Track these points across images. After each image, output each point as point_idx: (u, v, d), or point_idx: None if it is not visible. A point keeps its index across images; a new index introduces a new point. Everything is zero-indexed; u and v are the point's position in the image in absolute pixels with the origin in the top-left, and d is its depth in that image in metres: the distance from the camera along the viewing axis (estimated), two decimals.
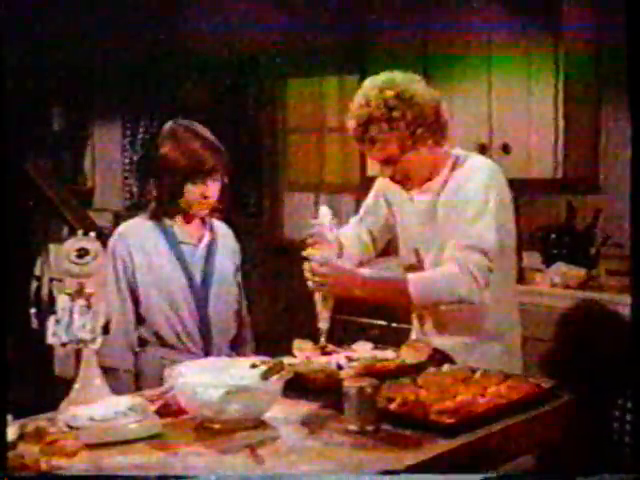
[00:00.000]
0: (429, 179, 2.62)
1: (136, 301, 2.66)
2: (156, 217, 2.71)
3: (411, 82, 2.55)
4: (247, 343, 2.86)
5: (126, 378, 2.61)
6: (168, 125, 2.72)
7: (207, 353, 2.66)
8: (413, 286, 2.47)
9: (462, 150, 2.67)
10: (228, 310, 2.78)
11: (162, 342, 2.67)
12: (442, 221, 2.59)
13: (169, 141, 2.67)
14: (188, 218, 2.73)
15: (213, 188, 2.67)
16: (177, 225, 2.72)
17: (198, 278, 2.70)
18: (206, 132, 2.71)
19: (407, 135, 2.51)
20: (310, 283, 2.53)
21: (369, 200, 2.86)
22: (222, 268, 2.76)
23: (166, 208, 2.70)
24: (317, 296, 2.54)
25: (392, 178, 2.63)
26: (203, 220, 2.77)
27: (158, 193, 2.70)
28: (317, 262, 2.51)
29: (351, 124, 2.55)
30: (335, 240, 2.61)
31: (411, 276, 2.52)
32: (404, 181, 2.63)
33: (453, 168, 2.60)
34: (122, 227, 2.75)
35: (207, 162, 2.63)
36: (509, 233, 2.63)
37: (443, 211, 2.59)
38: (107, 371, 2.35)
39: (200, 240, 2.75)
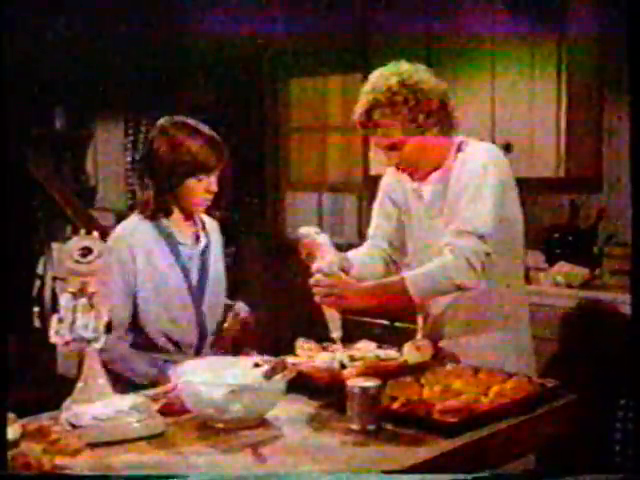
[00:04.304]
0: (436, 169, 2.61)
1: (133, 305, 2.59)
2: (153, 217, 2.64)
3: (416, 70, 2.56)
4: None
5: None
6: (162, 122, 2.66)
7: (199, 353, 2.63)
8: (411, 284, 2.46)
9: (464, 137, 2.64)
10: (219, 308, 2.74)
11: (156, 348, 2.61)
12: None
13: (164, 138, 2.60)
14: (186, 215, 2.68)
15: (215, 181, 2.63)
16: (174, 225, 2.67)
17: (195, 280, 2.66)
18: (204, 128, 2.65)
19: (409, 120, 2.51)
20: (317, 297, 2.50)
21: (375, 208, 2.83)
22: (216, 269, 2.73)
23: (165, 206, 2.64)
24: (325, 307, 2.51)
25: (398, 166, 2.62)
26: (194, 218, 2.73)
27: (156, 191, 2.63)
28: (323, 272, 2.49)
29: (356, 111, 2.56)
30: (328, 244, 2.59)
31: (407, 274, 2.51)
32: (409, 169, 2.62)
33: (457, 156, 2.58)
34: (121, 228, 2.67)
35: (211, 160, 2.59)
36: (513, 217, 2.59)
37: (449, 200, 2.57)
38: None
39: (196, 241, 2.71)
